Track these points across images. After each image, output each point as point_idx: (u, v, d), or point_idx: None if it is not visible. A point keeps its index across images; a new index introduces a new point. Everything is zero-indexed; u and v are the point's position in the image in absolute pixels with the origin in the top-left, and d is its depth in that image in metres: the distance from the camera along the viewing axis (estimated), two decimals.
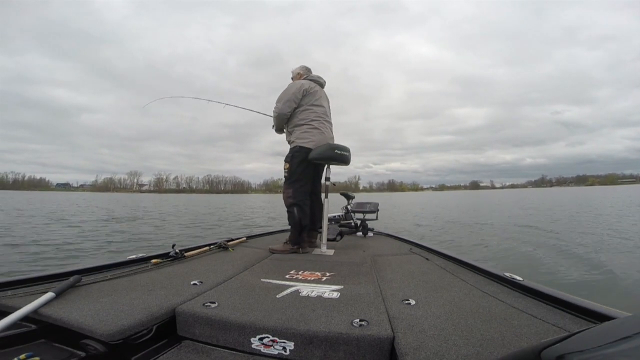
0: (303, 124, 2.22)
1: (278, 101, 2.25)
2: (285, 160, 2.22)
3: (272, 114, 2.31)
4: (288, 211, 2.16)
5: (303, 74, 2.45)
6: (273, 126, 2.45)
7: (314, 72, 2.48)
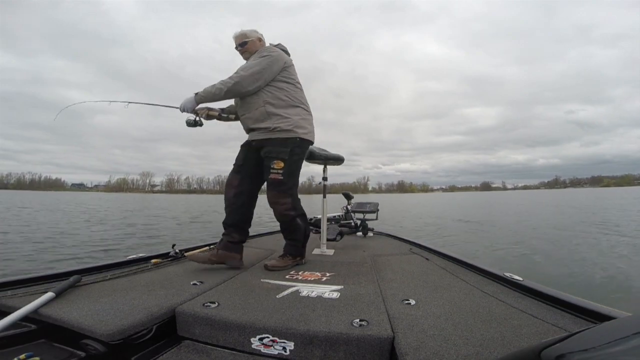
0: (297, 106, 1.67)
1: (245, 69, 1.57)
2: (279, 158, 1.60)
3: (219, 86, 1.55)
4: (289, 224, 1.70)
5: (264, 41, 1.78)
6: (183, 109, 1.63)
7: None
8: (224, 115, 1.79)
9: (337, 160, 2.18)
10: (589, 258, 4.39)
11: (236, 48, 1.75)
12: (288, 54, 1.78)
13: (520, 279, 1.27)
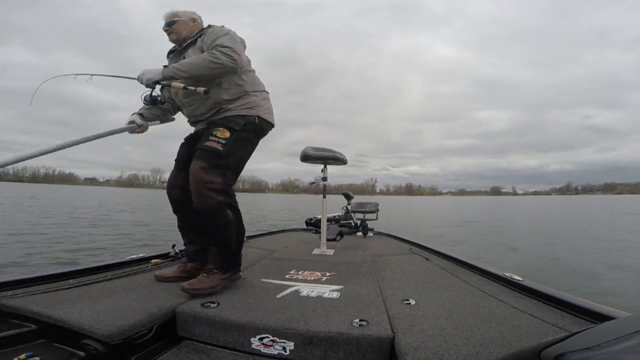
0: (262, 90, 1.45)
1: (232, 49, 1.23)
2: (225, 125, 1.28)
3: (216, 61, 1.20)
4: (214, 214, 1.23)
5: (200, 23, 1.49)
6: (142, 80, 1.27)
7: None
8: (190, 88, 1.24)
9: (337, 160, 2.16)
10: (590, 259, 4.39)
11: (163, 28, 1.44)
12: None
13: (520, 279, 1.27)
